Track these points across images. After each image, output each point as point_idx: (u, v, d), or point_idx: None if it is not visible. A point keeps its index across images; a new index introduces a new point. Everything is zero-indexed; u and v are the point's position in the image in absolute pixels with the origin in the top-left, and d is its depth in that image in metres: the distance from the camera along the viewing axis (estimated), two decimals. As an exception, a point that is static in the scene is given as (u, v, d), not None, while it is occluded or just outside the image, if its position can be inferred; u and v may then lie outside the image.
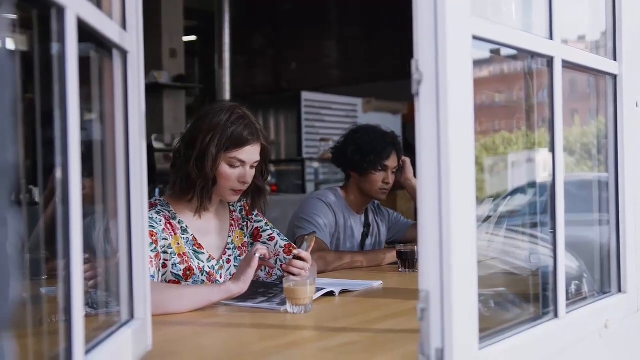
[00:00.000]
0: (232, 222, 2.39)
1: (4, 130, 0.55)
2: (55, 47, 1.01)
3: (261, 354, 1.53)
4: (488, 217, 2.29)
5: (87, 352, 1.10)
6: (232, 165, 2.20)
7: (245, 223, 2.42)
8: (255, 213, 2.45)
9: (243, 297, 2.02)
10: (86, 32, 1.12)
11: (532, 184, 2.10)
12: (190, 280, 2.17)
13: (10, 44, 0.58)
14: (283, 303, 1.92)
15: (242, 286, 1.97)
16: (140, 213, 1.39)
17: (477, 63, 1.29)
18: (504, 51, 1.59)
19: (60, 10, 0.99)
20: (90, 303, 1.41)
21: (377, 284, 2.37)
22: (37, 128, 1.10)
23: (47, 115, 1.05)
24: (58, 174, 1.02)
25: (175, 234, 2.19)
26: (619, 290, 1.83)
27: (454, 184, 1.18)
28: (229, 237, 2.35)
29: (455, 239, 1.18)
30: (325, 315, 1.92)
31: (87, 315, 1.08)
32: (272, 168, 7.70)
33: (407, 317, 1.81)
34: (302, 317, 1.84)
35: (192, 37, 10.41)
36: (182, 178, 2.20)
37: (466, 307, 1.21)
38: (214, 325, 1.82)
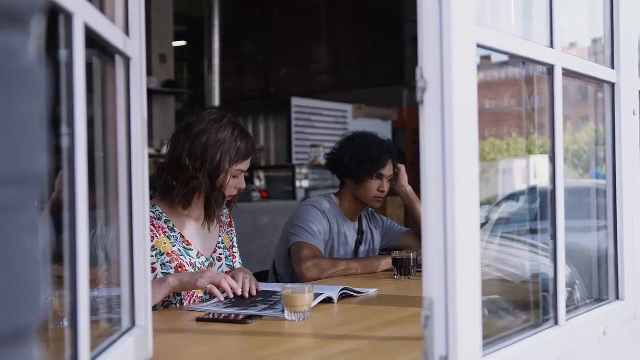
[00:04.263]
0: (221, 224, 2.48)
1: (36, 137, 0.55)
2: (62, 53, 1.01)
3: (261, 361, 1.52)
4: (482, 225, 2.30)
5: (91, 360, 1.09)
6: (235, 177, 2.32)
7: (230, 229, 2.52)
8: (232, 227, 2.54)
9: (244, 306, 2.02)
10: (90, 38, 1.11)
11: (524, 192, 2.11)
12: None
13: (42, 51, 0.58)
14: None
15: (176, 283, 2.07)
16: (142, 219, 1.39)
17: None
18: (495, 58, 1.59)
19: (69, 17, 0.99)
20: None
21: (372, 291, 2.37)
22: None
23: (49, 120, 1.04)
24: (64, 179, 1.01)
25: (160, 234, 2.25)
26: (617, 298, 1.84)
27: (459, 191, 1.18)
28: (220, 237, 2.45)
29: (460, 247, 1.18)
30: (323, 322, 1.92)
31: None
32: (262, 174, 7.69)
33: (407, 325, 1.81)
34: (301, 325, 1.84)
35: (182, 43, 10.40)
36: (191, 191, 2.27)
37: (470, 314, 1.21)
38: (213, 333, 1.81)
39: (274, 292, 2.18)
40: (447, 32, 1.19)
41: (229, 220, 2.54)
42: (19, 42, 0.53)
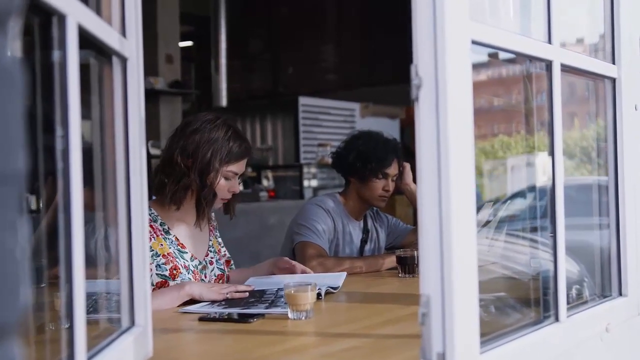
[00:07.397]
0: (211, 228, 2.52)
1: (15, 136, 0.55)
2: (56, 54, 1.01)
3: (262, 360, 1.52)
4: (488, 222, 2.29)
5: (89, 359, 1.10)
6: (227, 178, 2.33)
7: (217, 232, 2.56)
8: (217, 232, 2.57)
9: (239, 306, 2.02)
10: (86, 39, 1.12)
11: (531, 188, 2.11)
12: (178, 278, 2.26)
13: (19, 52, 0.58)
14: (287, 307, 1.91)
15: (198, 291, 2.11)
16: (141, 220, 1.39)
17: (475, 67, 1.29)
18: (502, 55, 1.59)
19: (62, 18, 0.99)
20: (89, 309, 1.40)
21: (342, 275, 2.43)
22: (35, 135, 1.10)
23: (45, 122, 1.04)
24: (59, 181, 1.02)
25: (157, 235, 2.28)
26: (620, 294, 1.83)
27: (454, 189, 1.18)
28: (210, 240, 2.48)
29: (456, 243, 1.18)
30: (326, 321, 1.92)
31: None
32: (270, 174, 7.70)
33: (408, 322, 1.81)
34: (303, 323, 1.84)
35: (188, 43, 10.41)
36: (181, 189, 2.28)
37: (467, 311, 1.21)
38: (214, 331, 1.81)
39: (263, 291, 2.20)
40: (440, 28, 1.19)
41: (215, 223, 2.57)
42: (-4, 43, 0.53)
